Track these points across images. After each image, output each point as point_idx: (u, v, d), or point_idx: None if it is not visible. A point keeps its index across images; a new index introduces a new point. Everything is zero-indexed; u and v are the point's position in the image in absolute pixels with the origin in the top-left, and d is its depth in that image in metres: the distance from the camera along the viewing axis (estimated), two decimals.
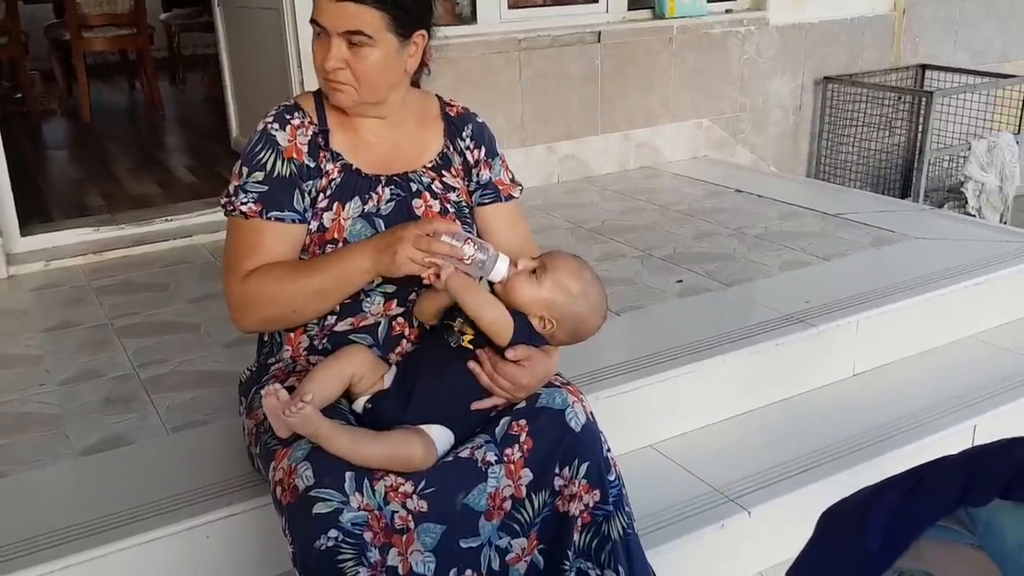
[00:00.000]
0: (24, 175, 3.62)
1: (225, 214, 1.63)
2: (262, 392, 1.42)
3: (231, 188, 1.61)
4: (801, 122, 4.51)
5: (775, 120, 4.41)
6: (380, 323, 1.62)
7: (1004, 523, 0.70)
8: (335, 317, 1.62)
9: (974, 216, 4.28)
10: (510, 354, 1.49)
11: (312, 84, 3.28)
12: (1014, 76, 4.54)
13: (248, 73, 4.02)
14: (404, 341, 1.63)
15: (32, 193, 3.69)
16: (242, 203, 1.58)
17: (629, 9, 3.98)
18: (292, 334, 1.67)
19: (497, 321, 1.47)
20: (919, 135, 4.35)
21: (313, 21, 1.56)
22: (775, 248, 2.95)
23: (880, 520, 0.78)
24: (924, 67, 4.73)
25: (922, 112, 4.35)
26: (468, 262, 1.48)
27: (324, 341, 1.64)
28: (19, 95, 5.46)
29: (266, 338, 1.73)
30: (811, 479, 2.02)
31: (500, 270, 1.50)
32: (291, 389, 1.56)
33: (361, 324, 1.62)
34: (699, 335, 2.30)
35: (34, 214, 3.32)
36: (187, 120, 5.79)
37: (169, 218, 3.28)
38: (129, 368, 2.25)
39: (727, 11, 4.19)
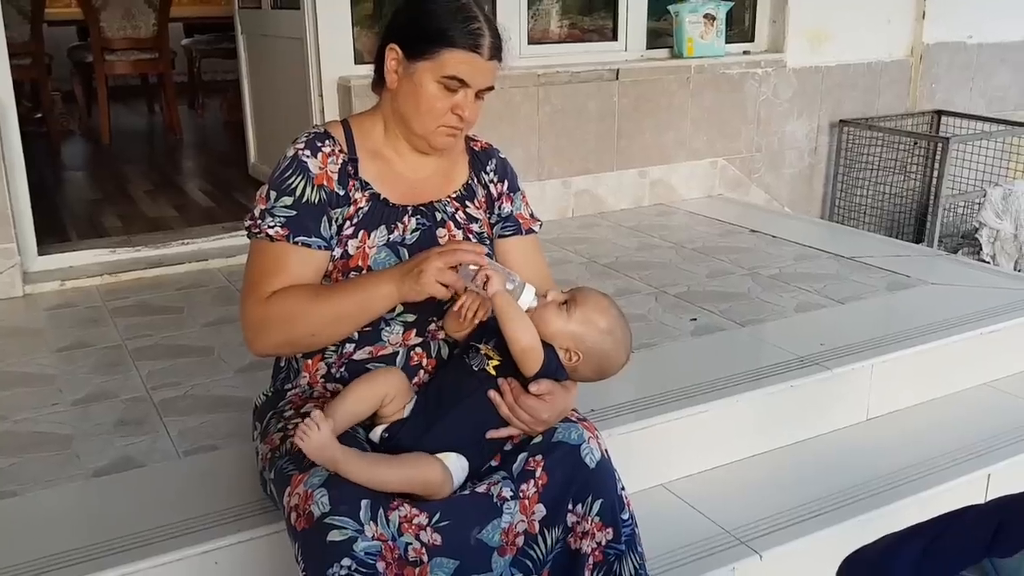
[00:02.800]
0: (42, 194, 3.66)
1: (249, 236, 1.64)
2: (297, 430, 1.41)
3: (257, 211, 1.62)
4: (816, 164, 4.53)
5: (790, 161, 4.43)
6: (399, 352, 1.63)
7: None
8: (353, 345, 1.63)
9: (988, 263, 4.27)
10: (534, 388, 1.49)
11: (332, 112, 3.35)
12: None
13: (268, 100, 4.07)
14: (421, 371, 1.63)
15: (49, 212, 3.72)
16: (269, 226, 1.59)
17: (648, 48, 4.02)
18: (310, 360, 1.67)
19: (534, 349, 1.48)
20: (934, 180, 4.36)
21: (453, 77, 1.58)
22: (789, 289, 2.94)
23: (904, 569, 0.78)
24: (940, 113, 4.75)
25: (938, 157, 4.36)
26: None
27: (342, 369, 1.64)
28: (39, 115, 5.52)
29: (282, 364, 1.74)
30: (823, 524, 2.00)
31: (526, 299, 1.51)
32: (307, 414, 1.57)
33: (380, 353, 1.62)
34: (713, 375, 2.30)
35: (51, 233, 3.35)
36: (205, 145, 5.84)
37: (186, 241, 3.30)
38: (142, 390, 2.25)
39: (745, 52, 4.22)
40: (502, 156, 1.82)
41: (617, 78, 3.78)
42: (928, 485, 2.17)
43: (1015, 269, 4.25)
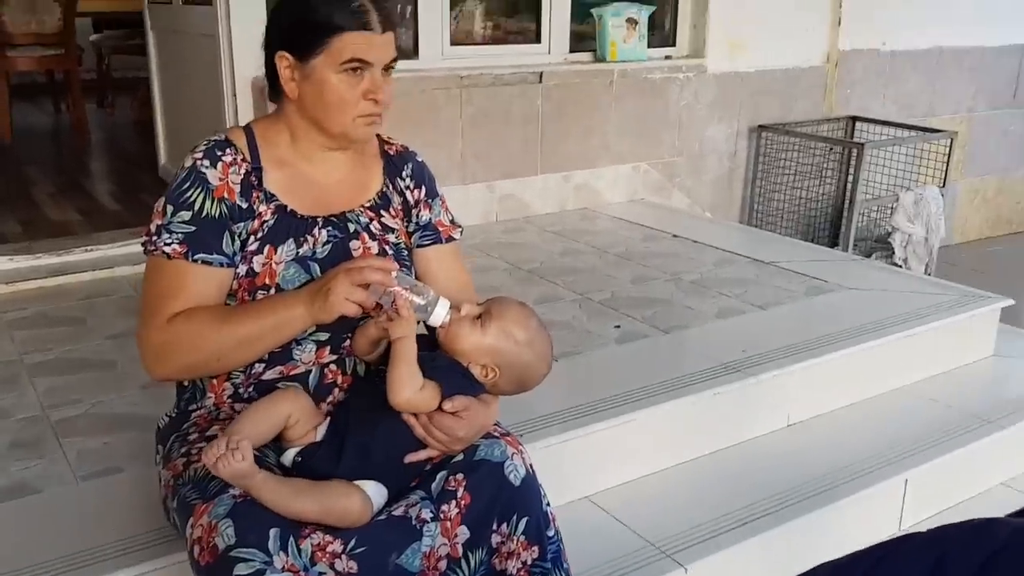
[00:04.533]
0: None
1: (145, 253, 1.54)
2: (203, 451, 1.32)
3: (153, 227, 1.52)
4: (736, 169, 4.57)
5: (710, 166, 4.46)
6: (311, 371, 1.55)
7: None
8: (263, 365, 1.54)
9: (900, 266, 4.38)
10: (447, 405, 1.43)
11: (247, 113, 3.23)
12: (941, 131, 4.69)
13: (180, 99, 3.91)
14: (336, 390, 1.56)
15: None
16: (166, 243, 1.49)
17: (571, 51, 4.00)
18: (215, 380, 1.58)
19: (410, 404, 1.41)
20: (849, 185, 4.44)
21: (352, 60, 1.49)
22: (711, 295, 2.95)
23: None
24: (855, 119, 4.86)
25: (852, 163, 4.45)
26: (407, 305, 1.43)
27: (250, 389, 1.55)
28: None
29: (187, 384, 1.63)
30: (747, 534, 1.99)
31: (439, 315, 1.45)
32: (213, 437, 1.48)
33: (291, 372, 1.54)
34: (637, 383, 2.27)
35: None
36: (113, 145, 5.61)
37: (90, 248, 3.14)
38: (38, 409, 2.12)
39: (667, 57, 4.24)
40: (419, 160, 1.74)
41: (541, 81, 3.75)
42: (849, 492, 2.18)
43: (925, 272, 4.37)
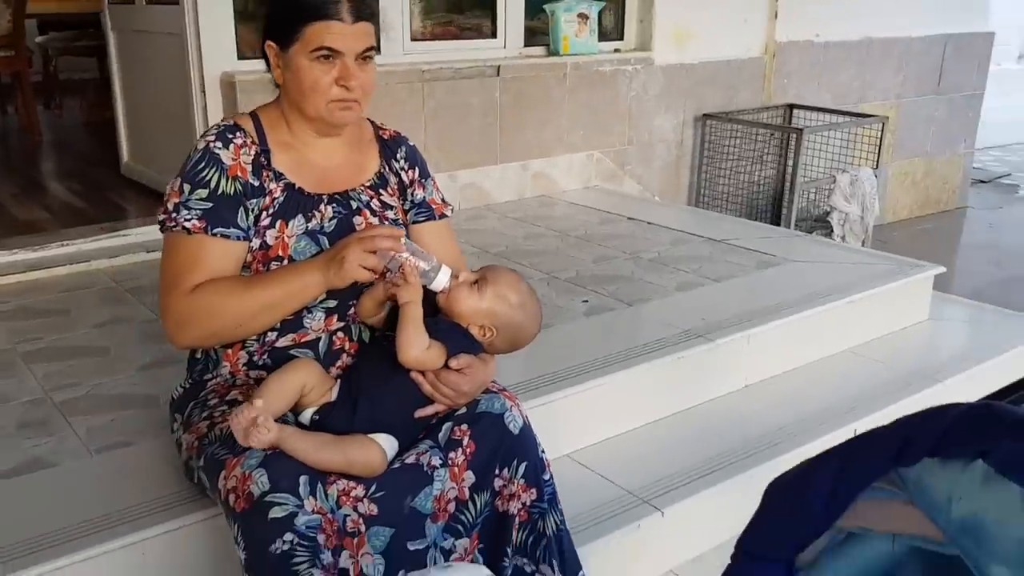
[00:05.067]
0: None
1: (163, 230, 1.66)
2: (230, 415, 1.44)
3: (170, 205, 1.63)
4: (682, 156, 4.78)
5: (659, 154, 4.67)
6: (321, 338, 1.68)
7: (932, 479, 0.81)
8: (276, 333, 1.67)
9: (838, 243, 4.63)
10: (453, 363, 1.57)
11: (216, 110, 3.31)
12: (872, 116, 4.97)
13: (143, 98, 3.96)
14: (344, 355, 1.69)
15: None
16: (185, 219, 1.61)
17: (525, 45, 4.15)
18: (230, 350, 1.70)
19: (418, 363, 1.54)
20: (789, 169, 4.69)
21: (322, 48, 1.61)
22: (669, 271, 3.14)
23: (823, 484, 0.90)
24: (792, 106, 5.11)
25: (792, 147, 4.69)
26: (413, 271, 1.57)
27: (264, 356, 1.68)
28: None
29: (199, 355, 1.75)
30: (714, 481, 2.17)
31: (442, 280, 1.60)
32: (234, 402, 1.61)
33: (303, 340, 1.67)
34: (607, 351, 2.44)
35: None
36: (66, 145, 5.59)
37: (64, 243, 3.20)
38: (40, 392, 2.20)
39: (616, 50, 4.42)
40: (411, 144, 1.89)
41: (498, 74, 3.90)
42: (802, 442, 2.37)
43: (862, 247, 4.62)
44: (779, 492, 0.97)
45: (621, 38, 4.50)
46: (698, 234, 3.61)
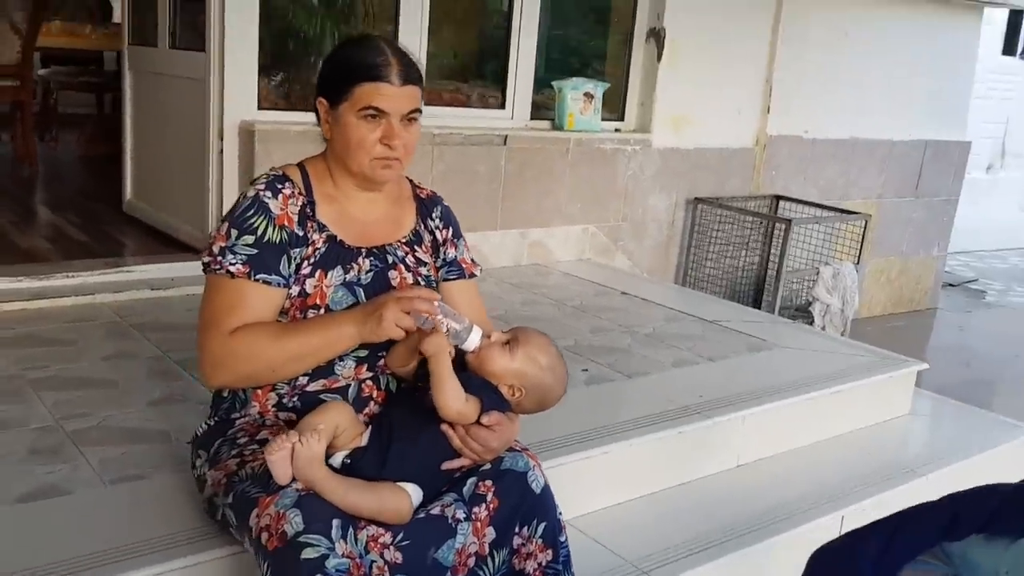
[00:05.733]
0: None
1: (206, 271, 1.71)
2: (267, 447, 1.48)
3: (216, 248, 1.69)
4: (673, 236, 4.92)
5: (651, 232, 4.80)
6: (350, 385, 1.73)
7: (978, 555, 0.88)
8: (307, 377, 1.71)
9: (823, 332, 4.76)
10: (485, 419, 1.62)
11: (232, 156, 3.38)
12: (856, 213, 5.16)
13: (153, 139, 4.02)
14: (372, 403, 1.74)
15: None
16: (231, 263, 1.66)
17: (532, 118, 4.30)
18: (259, 391, 1.74)
19: (461, 415, 1.59)
20: (774, 256, 4.84)
21: (369, 107, 1.69)
22: (665, 347, 3.22)
23: (869, 555, 0.97)
24: (779, 197, 5.30)
25: (778, 237, 4.85)
26: (445, 331, 1.63)
27: (295, 399, 1.72)
28: None
29: (226, 393, 1.79)
30: (710, 557, 2.21)
31: (474, 340, 1.66)
32: (264, 442, 1.64)
33: (333, 386, 1.72)
34: (609, 420, 2.50)
35: None
36: (62, 178, 5.61)
37: (70, 275, 3.21)
38: (51, 420, 2.20)
39: (616, 130, 4.58)
40: (446, 204, 1.97)
41: (505, 143, 4.03)
42: (793, 525, 2.43)
43: None
44: (826, 560, 1.03)
45: (622, 119, 4.67)
46: (690, 313, 3.71)
